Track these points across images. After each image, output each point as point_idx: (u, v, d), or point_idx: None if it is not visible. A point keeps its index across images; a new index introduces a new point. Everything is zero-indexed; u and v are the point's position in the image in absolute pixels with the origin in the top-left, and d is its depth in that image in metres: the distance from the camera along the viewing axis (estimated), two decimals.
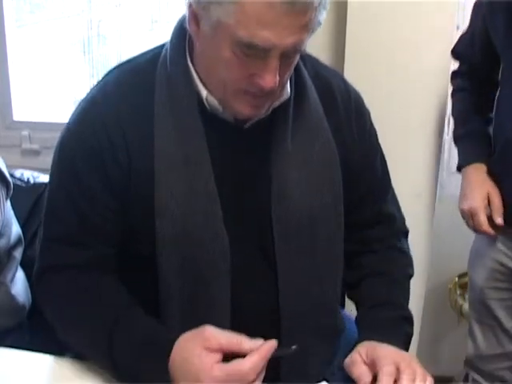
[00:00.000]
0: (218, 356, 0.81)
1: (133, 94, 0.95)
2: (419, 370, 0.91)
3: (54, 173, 1.00)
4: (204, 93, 0.94)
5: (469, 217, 1.45)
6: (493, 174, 1.44)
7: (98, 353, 0.92)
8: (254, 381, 0.81)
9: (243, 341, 0.83)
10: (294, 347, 0.86)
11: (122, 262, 1.00)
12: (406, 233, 1.16)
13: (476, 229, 1.45)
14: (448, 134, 1.85)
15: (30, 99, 2.14)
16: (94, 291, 0.96)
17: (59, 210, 0.98)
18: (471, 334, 1.63)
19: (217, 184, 0.93)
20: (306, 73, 1.01)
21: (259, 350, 0.82)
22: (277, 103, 0.96)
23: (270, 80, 0.86)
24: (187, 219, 0.93)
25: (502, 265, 1.49)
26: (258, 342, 0.83)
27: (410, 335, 1.05)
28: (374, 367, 0.92)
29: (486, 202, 1.42)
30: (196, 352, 0.82)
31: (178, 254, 0.94)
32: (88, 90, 1.01)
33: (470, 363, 1.67)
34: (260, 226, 0.98)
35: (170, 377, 0.84)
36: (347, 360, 0.95)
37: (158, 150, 0.93)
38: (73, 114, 0.99)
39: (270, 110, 0.96)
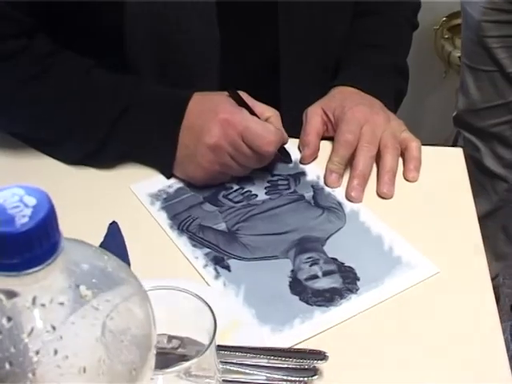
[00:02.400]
0: None
1: None
2: (391, 141, 0.85)
3: None
4: None
5: None
6: None
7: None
8: (268, 154, 0.80)
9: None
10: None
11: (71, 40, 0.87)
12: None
13: None
14: None
15: None
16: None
17: None
18: (462, 85, 1.61)
19: None
20: None
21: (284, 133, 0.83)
22: None
23: None
24: None
25: None
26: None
27: (402, 92, 1.00)
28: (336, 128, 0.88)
29: None
30: (222, 97, 0.82)
31: (153, 36, 0.86)
32: None
33: (460, 120, 1.66)
34: None
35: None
36: (307, 112, 0.90)
37: None
38: None
39: None
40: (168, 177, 0.83)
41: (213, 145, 0.78)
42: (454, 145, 2.15)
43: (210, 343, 0.46)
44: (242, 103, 0.81)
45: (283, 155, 0.85)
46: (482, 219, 0.85)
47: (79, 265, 0.34)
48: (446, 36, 2.05)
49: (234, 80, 0.83)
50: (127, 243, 0.74)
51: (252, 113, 0.80)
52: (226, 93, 0.82)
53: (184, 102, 0.81)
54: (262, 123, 0.79)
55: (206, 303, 0.47)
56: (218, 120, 0.78)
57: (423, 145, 0.88)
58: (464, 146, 1.67)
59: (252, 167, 0.82)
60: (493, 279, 0.77)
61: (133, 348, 0.34)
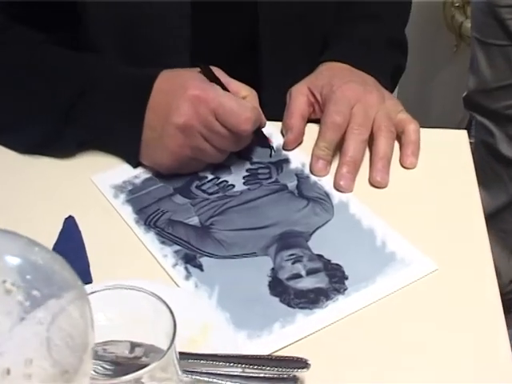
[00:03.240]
0: None
1: None
2: (386, 123, 0.85)
3: None
4: None
5: None
6: None
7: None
8: (245, 134, 0.80)
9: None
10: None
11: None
12: None
13: None
14: None
15: None
16: None
17: None
18: (473, 62, 1.61)
19: None
20: None
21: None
22: None
23: None
24: None
25: None
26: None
27: (400, 67, 1.01)
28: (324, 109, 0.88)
29: None
30: (193, 74, 0.82)
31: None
32: None
33: (471, 102, 1.66)
34: None
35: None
36: (291, 92, 0.90)
37: None
38: None
39: None
40: (134, 165, 0.84)
41: (182, 125, 0.78)
42: (467, 129, 2.16)
43: (169, 348, 0.46)
44: (215, 80, 0.81)
45: (260, 138, 0.85)
46: (498, 212, 0.85)
47: (4, 257, 0.34)
48: (457, 4, 2.05)
49: (208, 58, 0.84)
50: (87, 241, 0.75)
51: (226, 90, 0.81)
52: (197, 69, 0.82)
53: (150, 81, 0.81)
54: (237, 99, 0.80)
55: (164, 302, 0.48)
56: (188, 97, 0.78)
57: (426, 127, 0.88)
58: (477, 131, 1.68)
59: (228, 150, 0.82)
60: (510, 282, 0.77)
61: (64, 349, 0.34)
